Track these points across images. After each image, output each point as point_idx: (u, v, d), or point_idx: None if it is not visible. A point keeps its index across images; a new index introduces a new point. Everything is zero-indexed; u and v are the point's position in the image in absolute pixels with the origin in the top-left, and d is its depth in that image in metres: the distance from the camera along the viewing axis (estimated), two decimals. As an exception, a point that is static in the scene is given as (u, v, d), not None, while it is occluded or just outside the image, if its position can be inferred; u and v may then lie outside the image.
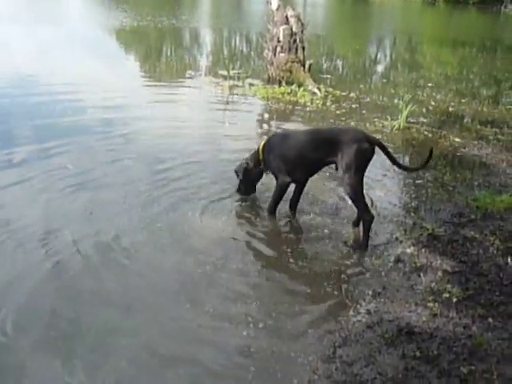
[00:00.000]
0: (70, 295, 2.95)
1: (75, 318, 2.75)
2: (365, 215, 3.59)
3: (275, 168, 3.91)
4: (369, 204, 4.26)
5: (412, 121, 6.81)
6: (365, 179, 4.51)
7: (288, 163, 3.80)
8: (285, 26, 8.57)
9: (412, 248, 3.64)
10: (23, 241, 3.42)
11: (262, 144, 4.05)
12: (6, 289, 2.94)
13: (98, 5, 20.97)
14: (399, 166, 3.78)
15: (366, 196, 4.37)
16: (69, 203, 4.00)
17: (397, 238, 3.78)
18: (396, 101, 7.65)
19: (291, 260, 3.43)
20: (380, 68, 12.33)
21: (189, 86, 8.45)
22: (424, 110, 7.56)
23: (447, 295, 3.09)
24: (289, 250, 3.55)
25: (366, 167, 3.57)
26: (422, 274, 3.31)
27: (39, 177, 4.40)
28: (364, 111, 7.31)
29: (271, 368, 2.48)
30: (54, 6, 19.78)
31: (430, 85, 9.55)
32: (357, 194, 3.56)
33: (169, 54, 12.12)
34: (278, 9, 8.96)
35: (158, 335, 2.67)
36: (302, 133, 4.06)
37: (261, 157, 4.02)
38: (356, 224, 3.88)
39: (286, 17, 8.74)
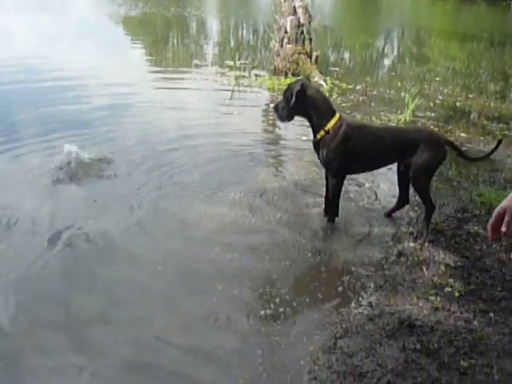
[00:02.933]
0: (75, 282, 2.99)
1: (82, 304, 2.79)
2: (430, 207, 3.74)
3: (336, 163, 3.60)
4: (373, 197, 4.30)
5: (418, 115, 6.79)
6: (370, 172, 4.57)
7: (356, 158, 3.61)
8: (292, 17, 8.53)
9: (415, 242, 3.64)
10: (28, 229, 3.46)
11: (337, 116, 3.56)
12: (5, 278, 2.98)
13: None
14: (471, 159, 4.01)
15: (370, 189, 4.42)
16: (77, 192, 4.03)
17: (400, 232, 3.78)
18: (403, 94, 7.62)
19: (293, 251, 3.45)
20: (387, 61, 12.25)
21: (195, 76, 8.45)
22: (431, 104, 7.52)
23: (449, 289, 3.10)
24: (291, 241, 3.56)
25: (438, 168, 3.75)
26: (424, 268, 3.32)
27: (45, 166, 4.43)
28: (370, 104, 7.29)
29: (272, 358, 2.50)
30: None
31: (437, 79, 9.50)
32: (426, 193, 3.71)
33: (175, 43, 12.09)
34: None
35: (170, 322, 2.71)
36: (379, 129, 3.96)
37: (328, 126, 3.52)
38: (389, 215, 3.97)
39: (294, 7, 8.69)
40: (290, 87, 3.60)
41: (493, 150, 3.73)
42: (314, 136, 3.63)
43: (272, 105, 3.78)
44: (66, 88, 6.91)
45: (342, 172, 3.71)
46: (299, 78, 3.74)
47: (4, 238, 3.34)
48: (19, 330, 2.58)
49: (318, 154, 3.67)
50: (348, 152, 3.55)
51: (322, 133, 3.55)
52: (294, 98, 3.49)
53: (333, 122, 3.53)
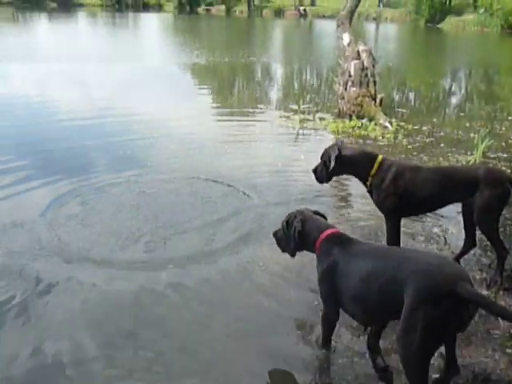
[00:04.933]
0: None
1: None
2: (502, 251, 3.56)
3: (388, 203, 3.60)
4: (442, 242, 4.17)
5: (490, 155, 6.56)
6: (439, 216, 4.45)
7: (408, 199, 3.56)
8: (356, 61, 8.62)
9: (488, 289, 3.48)
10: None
11: (379, 159, 3.63)
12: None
13: (176, 44, 22.11)
14: None
15: (439, 233, 4.29)
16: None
17: (472, 278, 3.62)
18: (472, 135, 7.41)
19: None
20: (454, 100, 12.02)
21: (260, 120, 8.66)
22: (503, 144, 7.26)
23: (528, 342, 2.93)
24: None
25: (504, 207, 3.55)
26: (499, 318, 3.15)
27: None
28: (437, 145, 7.14)
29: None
30: (133, 46, 21.08)
31: (510, 118, 9.18)
32: (494, 235, 3.53)
33: (241, 88, 12.50)
34: (349, 44, 9.06)
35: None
36: (432, 169, 3.94)
37: (372, 171, 3.60)
38: (457, 260, 3.78)
39: (358, 52, 8.80)
40: (326, 151, 3.75)
41: None
42: (365, 185, 3.70)
43: (311, 168, 3.89)
44: (135, 130, 7.44)
45: (396, 214, 3.67)
46: (335, 142, 3.90)
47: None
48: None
49: (373, 199, 3.72)
50: (399, 192, 3.54)
51: (370, 179, 3.62)
52: (332, 163, 3.63)
53: (376, 166, 3.59)
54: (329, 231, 2.74)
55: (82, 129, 7.64)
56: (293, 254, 2.96)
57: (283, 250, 3.01)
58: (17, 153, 6.27)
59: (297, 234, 2.78)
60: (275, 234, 3.03)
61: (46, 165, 5.89)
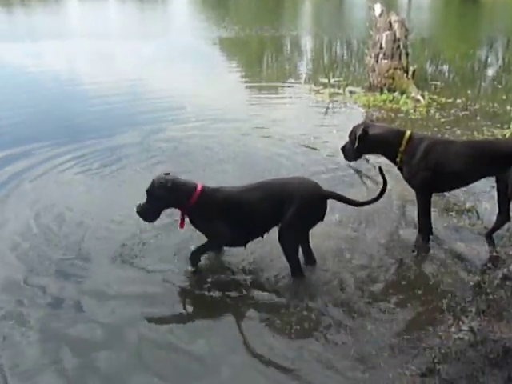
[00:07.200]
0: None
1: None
2: None
3: (419, 178, 3.54)
4: (475, 217, 4.11)
5: (527, 129, 6.36)
6: (472, 190, 4.38)
7: (440, 174, 3.50)
8: (388, 32, 8.40)
9: (522, 265, 3.43)
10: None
11: (407, 134, 3.57)
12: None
13: (205, 19, 21.96)
14: None
15: (471, 208, 4.23)
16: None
17: (504, 254, 3.57)
18: (508, 107, 7.19)
19: (389, 271, 3.40)
20: (490, 72, 11.58)
21: (290, 94, 8.59)
22: (542, 117, 7.01)
23: (561, 317, 2.89)
24: (387, 260, 3.52)
25: None
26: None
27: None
28: (472, 119, 6.95)
29: (369, 379, 2.49)
30: (162, 21, 21.02)
31: (548, 89, 8.84)
32: None
33: (270, 62, 12.37)
34: (381, 15, 8.82)
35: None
36: (464, 143, 3.82)
37: (401, 148, 3.54)
38: (490, 235, 3.76)
39: (390, 22, 8.56)
40: (353, 130, 3.71)
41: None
42: (395, 163, 3.65)
43: (340, 146, 3.90)
44: (165, 107, 7.46)
45: (428, 189, 3.62)
46: (361, 123, 3.87)
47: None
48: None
49: (403, 175, 3.68)
50: (431, 166, 3.48)
51: (399, 156, 3.57)
52: (356, 142, 3.62)
53: (404, 142, 3.54)
54: (201, 184, 3.24)
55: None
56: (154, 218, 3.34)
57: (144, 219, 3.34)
58: (46, 123, 6.78)
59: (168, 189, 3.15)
60: (138, 207, 3.28)
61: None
